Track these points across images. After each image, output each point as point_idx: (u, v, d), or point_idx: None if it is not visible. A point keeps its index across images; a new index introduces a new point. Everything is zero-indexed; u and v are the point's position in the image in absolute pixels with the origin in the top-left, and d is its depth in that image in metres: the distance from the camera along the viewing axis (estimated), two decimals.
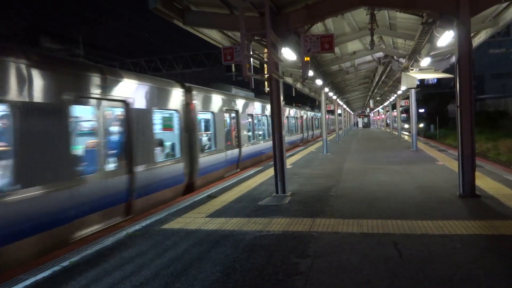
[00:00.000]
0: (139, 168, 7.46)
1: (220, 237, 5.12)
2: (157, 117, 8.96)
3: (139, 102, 7.69)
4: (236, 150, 13.27)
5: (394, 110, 35.69)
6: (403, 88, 17.37)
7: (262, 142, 16.95)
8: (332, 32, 10.35)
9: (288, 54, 8.47)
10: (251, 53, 6.98)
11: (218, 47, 9.27)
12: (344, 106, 37.66)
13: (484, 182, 7.79)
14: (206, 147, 11.33)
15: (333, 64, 15.14)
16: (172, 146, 9.55)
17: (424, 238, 4.69)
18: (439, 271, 3.72)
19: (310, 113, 32.86)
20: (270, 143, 17.14)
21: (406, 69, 13.14)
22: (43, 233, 5.32)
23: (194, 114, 10.02)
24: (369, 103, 40.95)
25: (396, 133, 27.24)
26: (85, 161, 6.59)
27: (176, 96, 9.24)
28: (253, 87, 7.68)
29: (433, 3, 6.89)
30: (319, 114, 35.48)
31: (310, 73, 10.88)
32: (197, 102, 10.25)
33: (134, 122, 7.44)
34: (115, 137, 7.22)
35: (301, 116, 27.60)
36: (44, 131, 5.45)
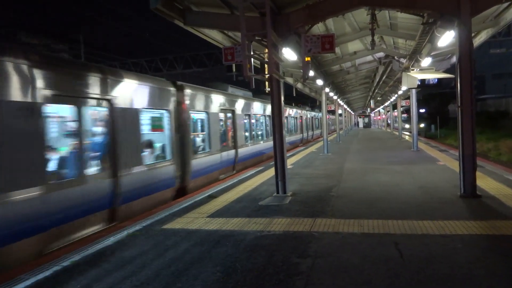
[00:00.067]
0: (125, 172, 7.03)
1: (220, 237, 5.12)
2: (146, 117, 8.62)
3: (125, 101, 7.26)
4: (232, 152, 12.89)
5: (395, 110, 35.73)
6: (403, 88, 17.38)
7: (260, 143, 16.61)
8: (333, 32, 10.35)
9: (288, 54, 8.47)
10: (252, 53, 6.98)
11: (219, 47, 9.27)
12: (345, 106, 37.67)
13: (485, 182, 7.78)
14: (200, 148, 10.97)
15: (334, 64, 15.15)
16: (162, 148, 9.12)
17: (425, 238, 4.69)
18: (440, 271, 3.72)
19: (310, 113, 32.77)
20: (268, 144, 17.36)
21: (406, 69, 13.14)
22: (7, 246, 4.80)
23: (187, 114, 9.64)
24: (370, 103, 40.96)
25: (397, 133, 27.23)
26: (62, 165, 6.23)
27: (167, 95, 8.86)
28: (253, 87, 7.65)
29: (434, 3, 6.89)
30: (319, 114, 35.53)
31: (311, 73, 10.90)
32: (190, 101, 9.88)
33: (119, 122, 7.01)
34: (97, 139, 6.79)
35: (301, 116, 27.52)
36: (10, 132, 4.96)
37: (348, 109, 44.65)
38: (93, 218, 6.32)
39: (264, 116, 17.72)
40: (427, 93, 46.72)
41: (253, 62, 7.24)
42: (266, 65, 7.61)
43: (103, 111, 6.87)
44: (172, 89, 9.13)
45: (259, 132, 17.34)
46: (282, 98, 7.78)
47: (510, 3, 8.06)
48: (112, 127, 6.88)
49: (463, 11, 6.42)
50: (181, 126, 9.34)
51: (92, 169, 6.52)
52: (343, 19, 9.80)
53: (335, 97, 23.17)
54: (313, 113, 34.43)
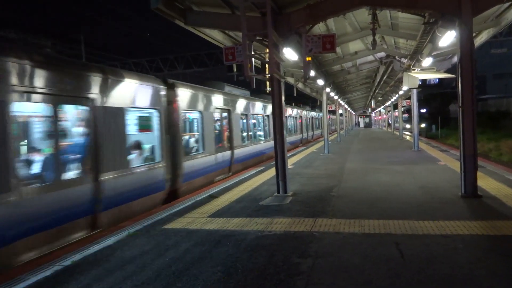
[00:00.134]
0: (108, 175, 6.56)
1: (221, 237, 5.12)
2: (132, 117, 8.20)
3: (108, 99, 6.77)
4: (228, 153, 12.43)
5: (396, 110, 35.71)
6: (404, 88, 17.38)
7: (258, 143, 16.18)
8: (334, 32, 10.36)
9: (289, 54, 8.48)
10: (253, 53, 6.97)
11: (219, 47, 9.27)
12: (346, 106, 37.66)
13: (486, 183, 7.77)
14: (193, 149, 10.52)
15: (335, 64, 15.15)
16: (152, 149, 8.64)
17: (425, 238, 4.68)
18: (440, 272, 3.72)
19: (310, 113, 32.70)
20: (266, 145, 17.27)
21: (407, 69, 13.14)
22: None
23: (178, 113, 9.17)
24: (371, 103, 41.02)
25: (398, 133, 27.22)
26: (33, 169, 5.84)
27: (157, 94, 8.36)
28: (254, 87, 7.63)
29: (435, 3, 6.88)
30: (320, 114, 35.53)
31: (312, 73, 10.90)
32: (182, 100, 9.39)
33: (102, 122, 6.54)
34: (75, 140, 6.39)
35: (300, 116, 27.46)
36: None
37: (348, 109, 44.65)
38: (73, 225, 5.90)
39: (263, 115, 17.43)
40: (428, 93, 46.76)
41: (254, 62, 7.24)
42: (267, 65, 7.60)
43: (82, 110, 6.41)
44: (162, 87, 8.67)
45: (257, 132, 16.95)
46: (283, 98, 7.78)
47: (511, 3, 8.06)
48: (93, 127, 6.41)
49: (464, 11, 6.41)
50: (172, 126, 8.92)
51: (70, 173, 6.08)
52: (344, 19, 9.80)
53: (336, 97, 23.17)
54: (313, 113, 34.36)
